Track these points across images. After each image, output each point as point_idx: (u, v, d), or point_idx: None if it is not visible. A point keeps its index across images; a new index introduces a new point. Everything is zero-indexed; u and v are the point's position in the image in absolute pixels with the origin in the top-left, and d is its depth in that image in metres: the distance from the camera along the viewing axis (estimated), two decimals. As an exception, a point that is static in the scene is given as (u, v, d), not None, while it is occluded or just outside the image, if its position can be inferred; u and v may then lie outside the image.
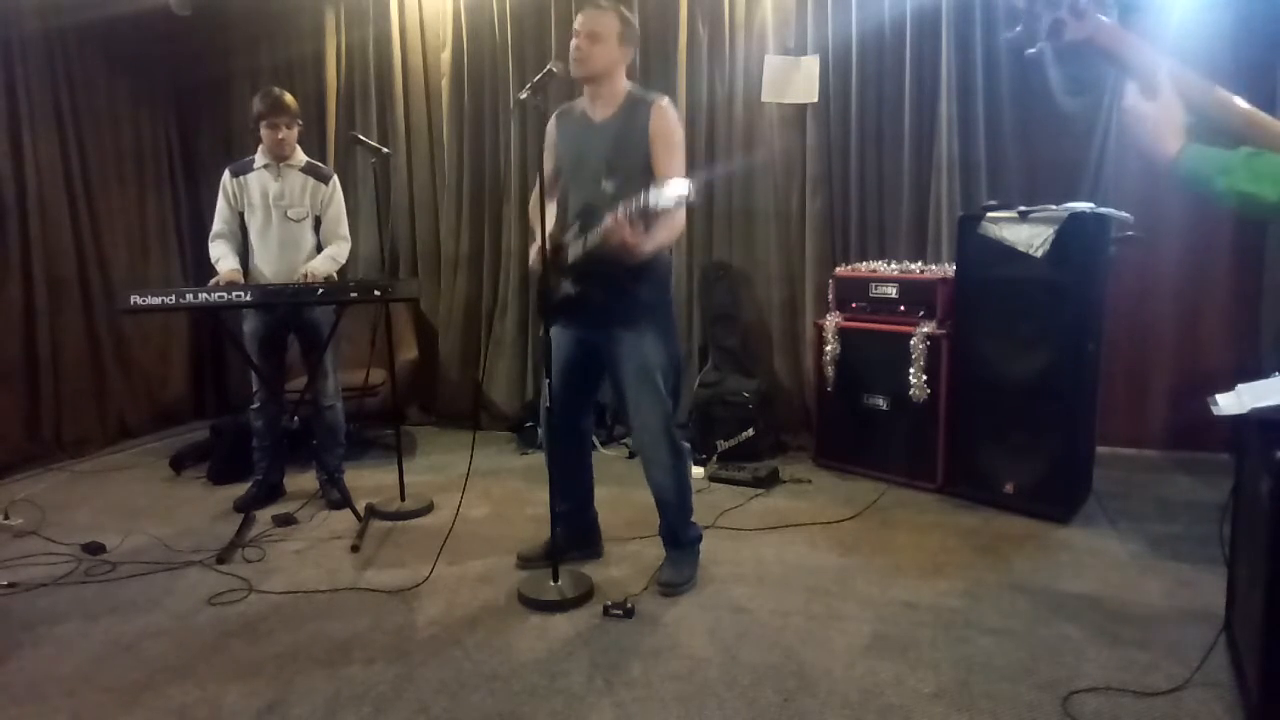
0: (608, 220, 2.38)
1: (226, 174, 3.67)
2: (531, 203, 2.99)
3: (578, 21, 2.66)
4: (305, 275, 3.51)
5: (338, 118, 5.22)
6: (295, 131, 3.64)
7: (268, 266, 3.64)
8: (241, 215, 3.65)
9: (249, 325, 3.67)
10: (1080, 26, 1.42)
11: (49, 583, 2.93)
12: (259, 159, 3.66)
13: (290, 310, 3.60)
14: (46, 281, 4.53)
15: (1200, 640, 2.34)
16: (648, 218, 2.38)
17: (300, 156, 3.71)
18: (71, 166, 4.70)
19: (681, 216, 2.64)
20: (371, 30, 5.10)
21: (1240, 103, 1.45)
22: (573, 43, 2.66)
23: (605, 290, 2.60)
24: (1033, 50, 1.45)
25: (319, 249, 3.72)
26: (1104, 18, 1.42)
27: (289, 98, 3.61)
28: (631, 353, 2.68)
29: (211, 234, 3.65)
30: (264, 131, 3.57)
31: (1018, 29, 1.45)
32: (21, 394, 4.46)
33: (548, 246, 2.65)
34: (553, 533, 2.87)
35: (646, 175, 2.62)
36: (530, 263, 2.81)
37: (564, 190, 2.90)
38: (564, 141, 2.82)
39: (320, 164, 3.81)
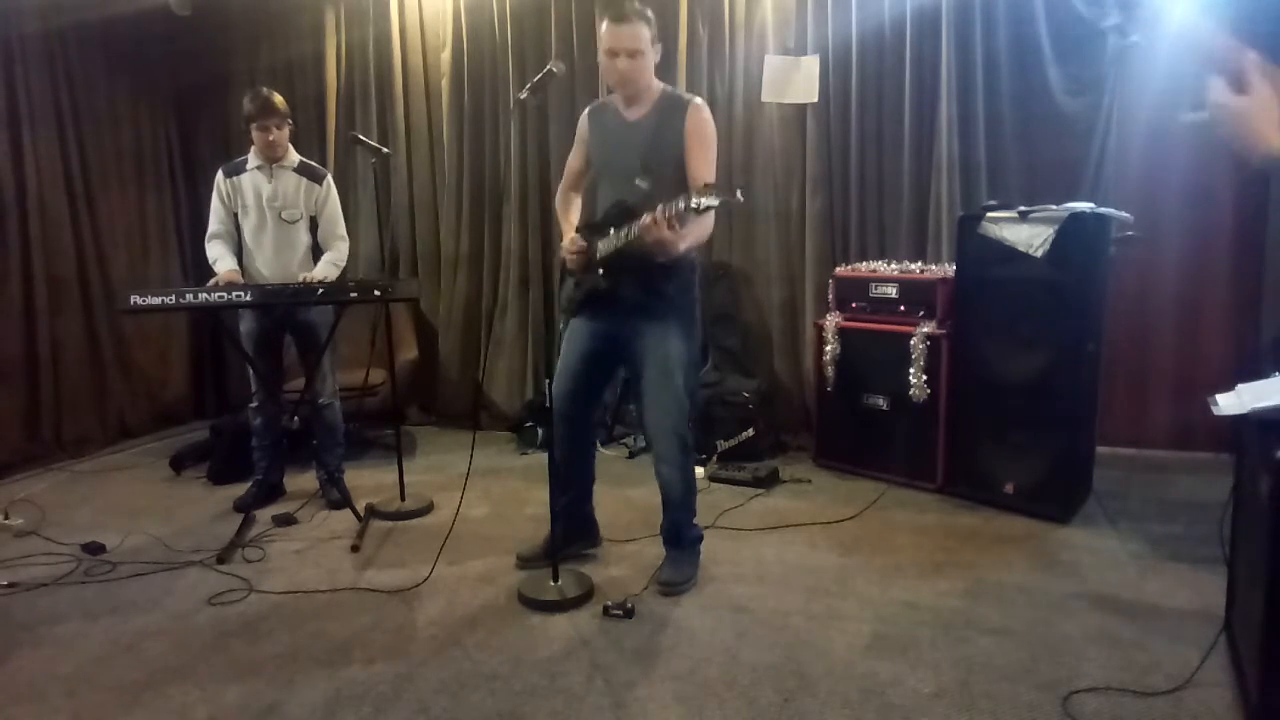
0: (645, 218, 2.39)
1: (220, 175, 3.66)
2: (559, 197, 3.02)
3: (610, 38, 2.61)
4: (305, 281, 3.48)
5: (338, 118, 5.22)
6: (286, 132, 3.62)
7: (264, 268, 3.64)
8: (236, 216, 3.64)
9: (245, 325, 3.66)
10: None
11: (49, 583, 2.93)
12: (252, 160, 3.64)
13: (286, 310, 3.59)
14: (46, 281, 4.53)
15: (1200, 640, 2.34)
16: (684, 219, 2.39)
17: (293, 157, 3.69)
18: (71, 166, 4.70)
19: (710, 216, 2.64)
20: (371, 30, 5.10)
21: None
22: (611, 61, 2.63)
23: (634, 285, 2.62)
24: (1134, 39, 1.44)
25: (315, 249, 3.72)
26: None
27: (278, 98, 3.58)
28: (655, 348, 2.69)
29: (208, 234, 3.64)
30: (255, 134, 3.55)
31: (1117, 19, 1.44)
32: (21, 394, 4.46)
33: (575, 240, 2.66)
34: (552, 531, 2.87)
35: (680, 173, 2.64)
36: (562, 256, 2.82)
37: (592, 185, 2.92)
38: (596, 138, 2.83)
39: (314, 164, 3.79)
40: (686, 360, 2.73)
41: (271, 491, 3.78)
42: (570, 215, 2.93)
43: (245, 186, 3.62)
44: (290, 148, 3.69)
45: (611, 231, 2.60)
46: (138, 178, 5.17)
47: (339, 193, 3.75)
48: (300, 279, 3.51)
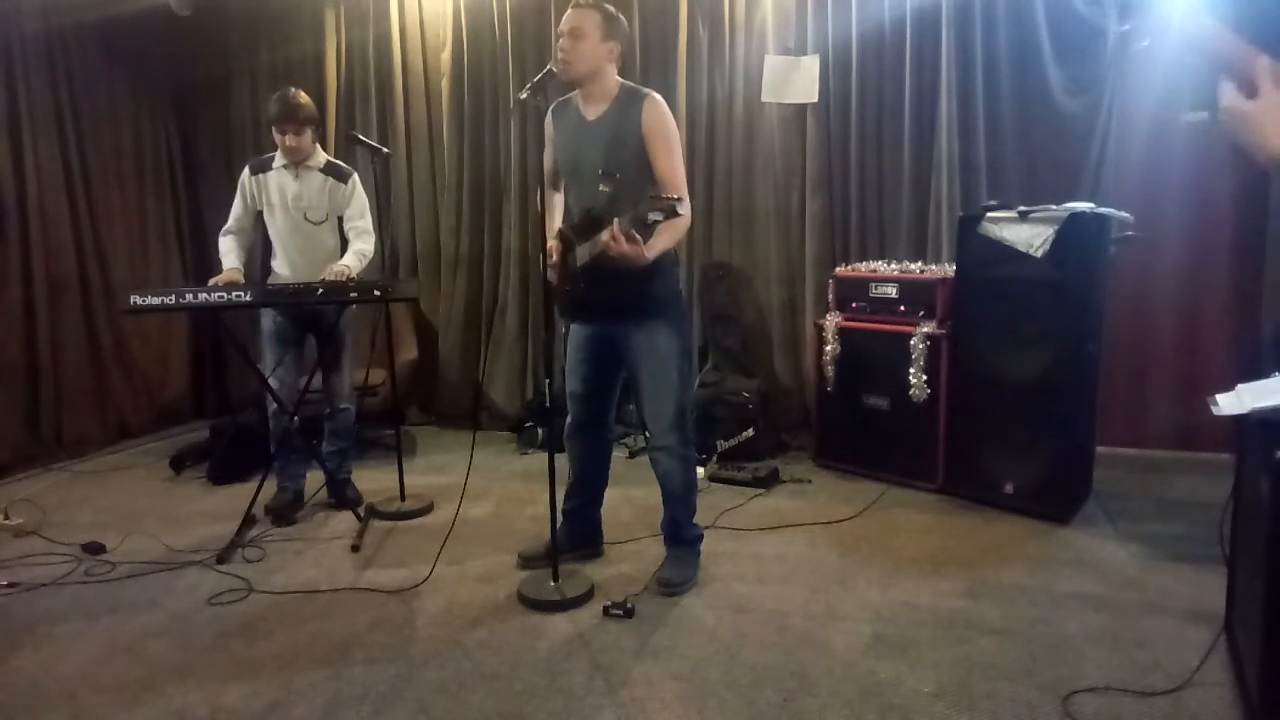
0: (604, 236, 2.39)
1: (246, 171, 3.59)
2: (542, 198, 2.99)
3: (561, 23, 2.67)
4: (335, 274, 3.38)
5: (338, 118, 5.21)
6: (309, 136, 3.50)
7: (288, 268, 3.58)
8: (260, 214, 3.59)
9: (266, 323, 3.59)
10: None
11: (49, 583, 2.93)
12: (279, 159, 3.55)
13: (312, 312, 3.52)
14: (46, 281, 4.53)
15: (1200, 640, 2.34)
16: (645, 230, 2.38)
17: (320, 157, 3.62)
18: (71, 166, 4.69)
19: (685, 218, 2.64)
20: (371, 30, 5.10)
21: None
22: (558, 44, 2.66)
23: (616, 289, 2.61)
24: (1145, 44, 1.46)
25: (342, 249, 3.63)
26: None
27: (303, 100, 3.47)
28: (648, 346, 2.71)
29: (223, 229, 3.59)
30: (275, 137, 3.48)
31: (1128, 25, 1.46)
32: (21, 394, 4.46)
33: (558, 242, 2.66)
34: (554, 531, 2.87)
35: (642, 173, 2.63)
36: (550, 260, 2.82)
37: (566, 186, 2.92)
38: (561, 137, 2.82)
39: (340, 163, 3.72)
40: (678, 354, 2.75)
41: (296, 499, 3.66)
42: (555, 217, 2.90)
43: (271, 185, 3.55)
44: (317, 147, 3.61)
45: (584, 242, 2.60)
46: (138, 178, 5.17)
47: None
48: (327, 273, 3.40)
